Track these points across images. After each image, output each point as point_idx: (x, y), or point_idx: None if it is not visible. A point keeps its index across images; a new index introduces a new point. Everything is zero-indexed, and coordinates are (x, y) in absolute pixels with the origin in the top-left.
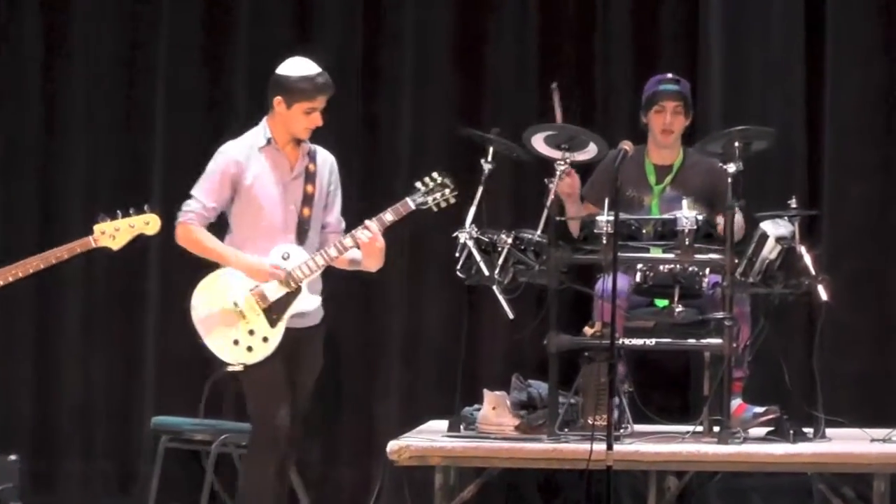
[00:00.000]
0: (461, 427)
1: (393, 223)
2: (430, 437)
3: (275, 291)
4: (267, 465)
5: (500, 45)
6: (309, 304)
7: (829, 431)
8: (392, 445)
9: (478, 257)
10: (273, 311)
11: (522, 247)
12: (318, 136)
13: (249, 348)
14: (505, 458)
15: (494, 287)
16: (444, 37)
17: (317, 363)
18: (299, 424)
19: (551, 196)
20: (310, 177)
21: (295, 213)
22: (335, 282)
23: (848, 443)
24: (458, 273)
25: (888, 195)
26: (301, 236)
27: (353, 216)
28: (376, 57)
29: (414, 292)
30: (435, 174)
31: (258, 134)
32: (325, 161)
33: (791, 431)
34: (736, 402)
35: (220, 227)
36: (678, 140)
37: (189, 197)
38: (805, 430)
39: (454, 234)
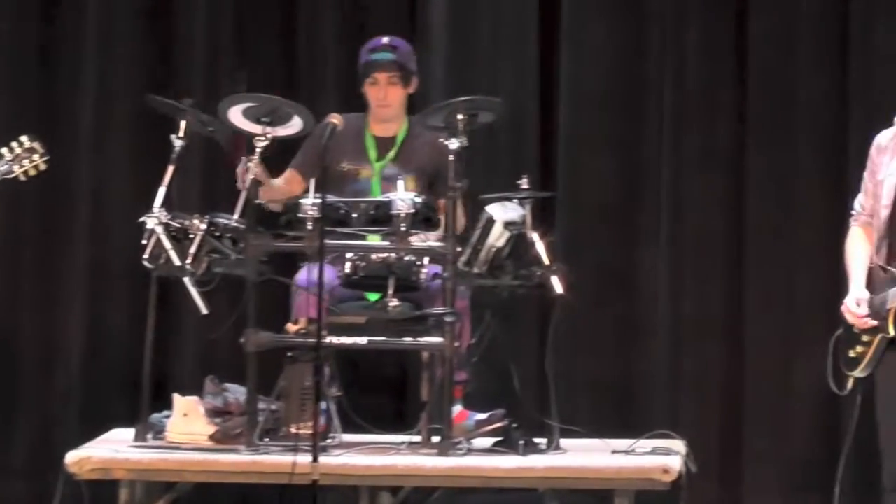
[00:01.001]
0: (148, 436)
1: None
2: (115, 448)
3: None
4: None
5: (191, 7)
6: None
7: (564, 442)
8: (71, 456)
9: (167, 245)
10: None
11: (218, 233)
12: None
13: None
14: (198, 472)
15: (186, 279)
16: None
17: None
18: None
19: (250, 176)
20: None
21: None
22: (8, 275)
23: (586, 455)
24: (144, 263)
25: (633, 174)
26: None
27: None
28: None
29: (95, 284)
30: (23, 138)
31: None
32: None
33: (521, 442)
34: (457, 409)
35: None
36: (401, 110)
37: None
38: (537, 440)
39: (140, 219)
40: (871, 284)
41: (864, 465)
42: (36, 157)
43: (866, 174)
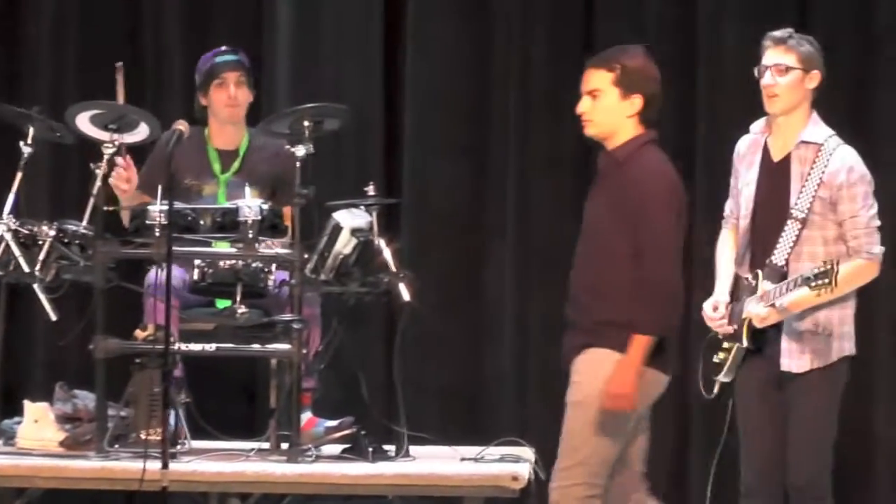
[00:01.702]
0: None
1: None
2: None
3: None
4: None
5: (37, 12)
6: None
7: (413, 449)
8: None
9: (16, 251)
10: None
11: (66, 240)
12: None
13: None
14: (48, 478)
15: (35, 285)
16: None
17: None
18: None
19: (98, 183)
20: None
21: None
22: None
23: (435, 462)
24: None
25: (480, 179)
26: None
27: None
28: None
29: None
30: None
31: None
32: None
33: (370, 449)
34: (306, 416)
35: None
36: (243, 120)
37: None
38: (386, 447)
39: None
40: (736, 290)
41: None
42: None
43: (732, 179)
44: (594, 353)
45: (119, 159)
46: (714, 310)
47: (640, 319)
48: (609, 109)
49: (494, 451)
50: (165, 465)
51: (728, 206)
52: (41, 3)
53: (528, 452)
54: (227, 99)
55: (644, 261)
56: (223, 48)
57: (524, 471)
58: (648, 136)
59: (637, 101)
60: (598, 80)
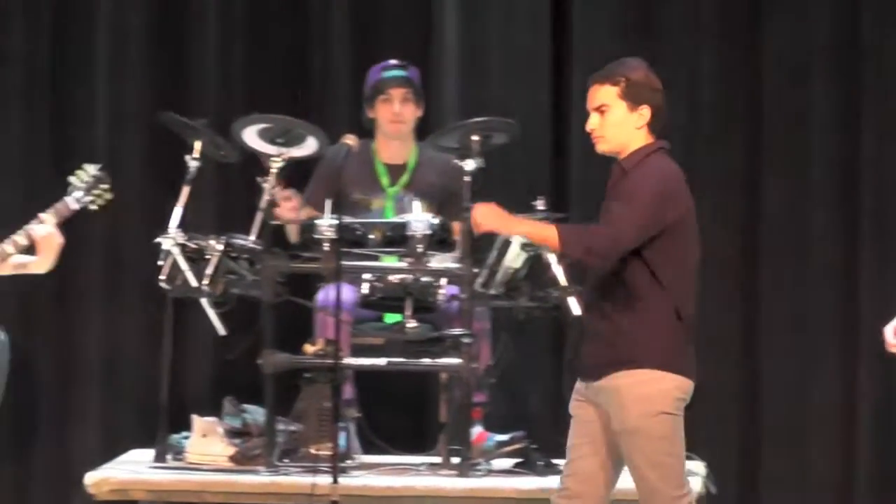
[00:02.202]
0: (168, 457)
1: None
2: (134, 469)
3: None
4: None
5: (204, 25)
6: None
7: None
8: (90, 477)
9: (184, 266)
10: None
11: (234, 254)
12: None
13: None
14: (217, 493)
15: (203, 299)
16: (142, 16)
17: None
18: None
19: (266, 197)
20: None
21: None
22: (21, 296)
23: None
24: (161, 284)
25: None
26: None
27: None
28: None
29: (111, 306)
30: (89, 167)
31: None
32: None
33: (540, 463)
34: (476, 430)
35: None
36: (411, 135)
37: None
38: (556, 461)
39: (156, 240)
40: None
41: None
42: (103, 186)
43: None
44: (631, 376)
45: (278, 192)
46: (894, 334)
47: (567, 236)
48: (619, 123)
49: None
50: (335, 480)
51: None
52: (208, 18)
53: (699, 466)
54: (392, 115)
55: (612, 207)
56: (392, 62)
57: (696, 485)
58: (658, 144)
59: (645, 112)
60: (605, 95)
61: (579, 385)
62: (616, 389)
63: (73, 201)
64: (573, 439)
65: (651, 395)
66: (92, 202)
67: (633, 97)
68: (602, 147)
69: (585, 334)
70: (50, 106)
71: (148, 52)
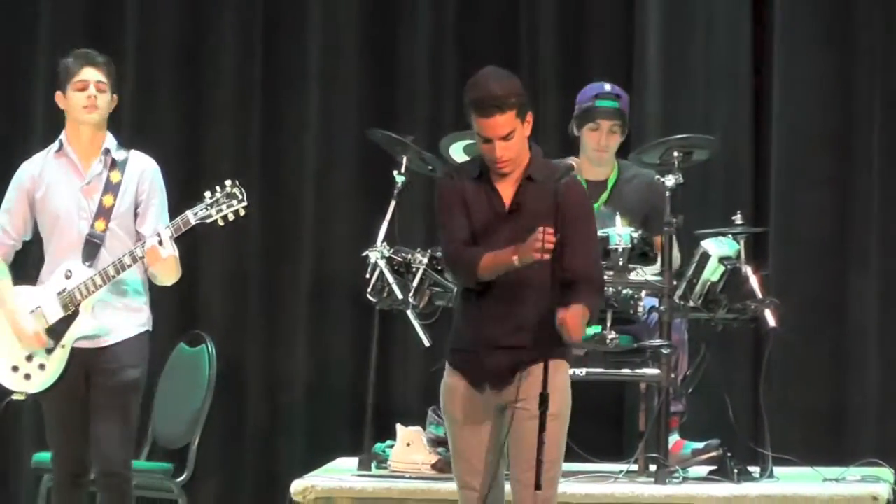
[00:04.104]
0: (372, 465)
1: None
2: (339, 477)
3: (55, 314)
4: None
5: (414, 41)
6: (89, 327)
7: (776, 470)
8: (296, 485)
9: (390, 279)
10: (51, 336)
11: (439, 267)
12: (217, 141)
13: (27, 376)
14: (420, 500)
15: (409, 311)
16: (354, 31)
17: (119, 377)
18: (114, 455)
19: None
20: (110, 187)
21: (87, 226)
22: (234, 308)
23: (798, 483)
24: (368, 296)
25: (844, 208)
26: (89, 252)
27: None
28: (278, 53)
29: (319, 318)
30: (227, 182)
31: (57, 141)
32: (137, 168)
33: (735, 470)
34: (673, 439)
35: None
36: (612, 157)
37: None
38: (750, 468)
39: (364, 254)
40: None
41: None
42: (235, 202)
43: None
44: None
45: None
46: None
47: (594, 305)
48: (521, 141)
49: (856, 471)
50: (538, 487)
51: None
52: (418, 33)
53: (888, 473)
54: (597, 145)
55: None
56: (607, 88)
57: (884, 491)
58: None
59: (531, 118)
60: (508, 122)
61: None
62: None
63: (192, 216)
64: None
65: None
66: (213, 217)
67: (522, 111)
68: (509, 169)
69: None
70: (261, 118)
71: (358, 67)
